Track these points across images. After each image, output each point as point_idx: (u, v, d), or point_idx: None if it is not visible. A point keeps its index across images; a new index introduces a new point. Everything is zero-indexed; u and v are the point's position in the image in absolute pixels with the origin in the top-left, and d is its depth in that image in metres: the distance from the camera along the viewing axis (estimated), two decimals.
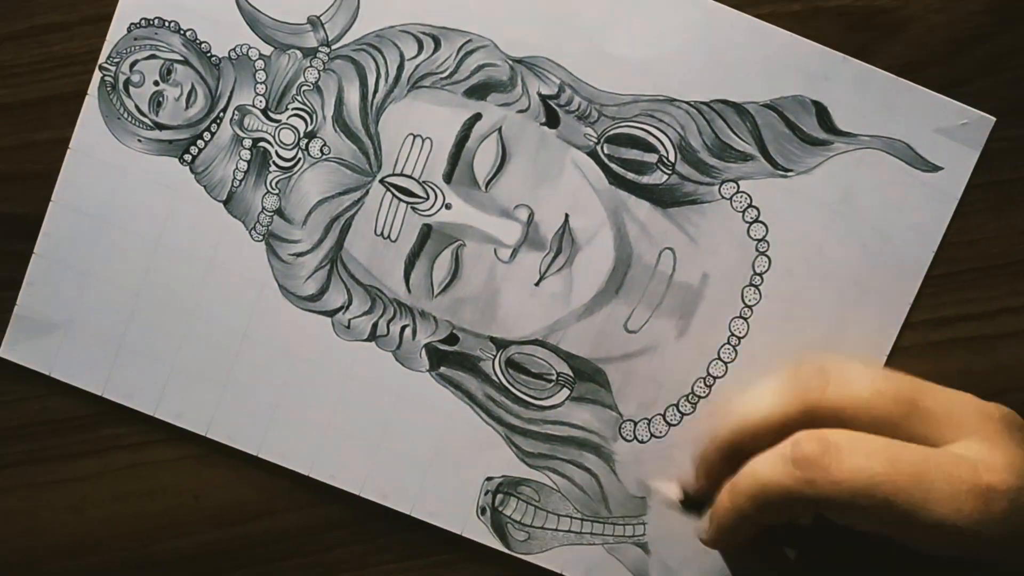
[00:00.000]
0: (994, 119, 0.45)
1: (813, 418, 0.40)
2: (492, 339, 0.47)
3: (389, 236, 0.46)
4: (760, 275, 0.46)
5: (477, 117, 0.46)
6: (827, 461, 0.37)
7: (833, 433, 0.38)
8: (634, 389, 0.47)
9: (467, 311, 0.47)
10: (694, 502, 0.46)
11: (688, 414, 0.47)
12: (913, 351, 0.46)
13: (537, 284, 0.46)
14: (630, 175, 0.46)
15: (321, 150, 0.46)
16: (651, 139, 0.46)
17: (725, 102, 0.46)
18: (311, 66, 0.46)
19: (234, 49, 0.46)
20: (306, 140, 0.46)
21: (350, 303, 0.47)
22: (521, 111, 0.46)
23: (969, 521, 0.36)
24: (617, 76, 0.45)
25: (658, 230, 0.46)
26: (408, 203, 0.46)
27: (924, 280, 0.46)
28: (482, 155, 0.46)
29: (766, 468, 0.39)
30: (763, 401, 0.41)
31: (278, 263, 0.47)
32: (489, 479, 0.47)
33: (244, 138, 0.46)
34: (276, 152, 0.46)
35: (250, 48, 0.46)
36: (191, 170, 0.47)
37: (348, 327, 0.47)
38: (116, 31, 0.46)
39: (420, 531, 0.48)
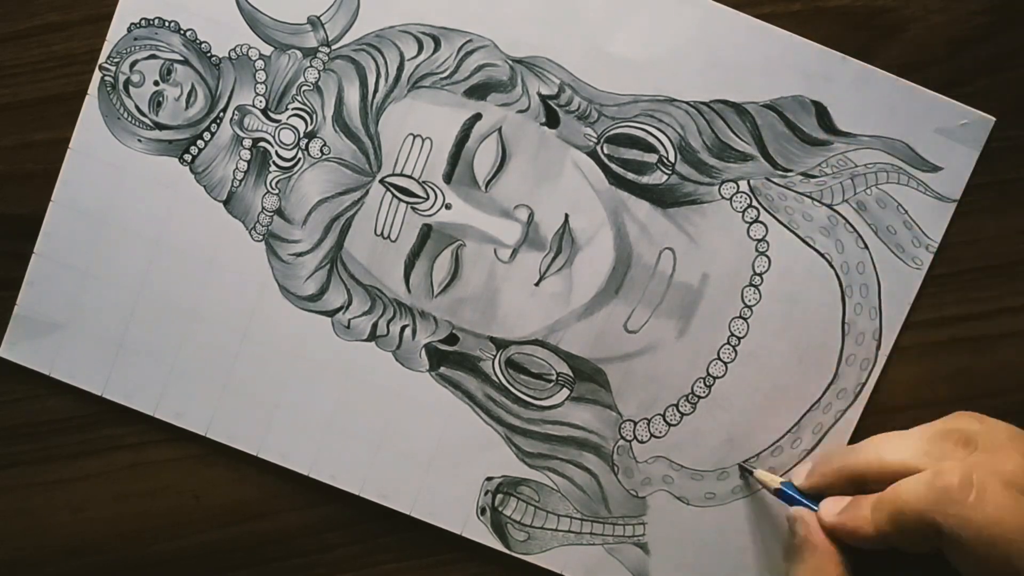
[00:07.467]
0: (994, 119, 0.45)
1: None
2: (492, 339, 0.47)
3: (389, 236, 0.46)
4: (760, 275, 0.46)
5: (477, 117, 0.46)
6: (965, 496, 0.36)
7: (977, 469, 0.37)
8: (634, 389, 0.47)
9: (467, 311, 0.47)
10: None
11: (688, 414, 0.47)
12: (913, 351, 0.46)
13: (537, 284, 0.46)
14: (630, 175, 0.46)
15: (321, 150, 0.46)
16: (651, 139, 0.46)
17: (725, 102, 0.46)
18: (311, 66, 0.46)
19: (234, 49, 0.46)
20: (306, 140, 0.46)
21: (350, 303, 0.47)
22: (521, 111, 0.46)
23: None
24: (617, 76, 0.45)
25: (658, 230, 0.46)
26: (408, 203, 0.46)
27: (924, 280, 0.46)
28: (482, 155, 0.46)
29: (909, 493, 0.38)
30: (904, 454, 0.40)
31: (278, 263, 0.47)
32: (489, 479, 0.47)
33: (244, 138, 0.46)
34: (276, 152, 0.46)
35: (250, 48, 0.46)
36: (191, 170, 0.47)
37: (348, 327, 0.47)
38: (116, 31, 0.46)
39: (420, 531, 0.48)
